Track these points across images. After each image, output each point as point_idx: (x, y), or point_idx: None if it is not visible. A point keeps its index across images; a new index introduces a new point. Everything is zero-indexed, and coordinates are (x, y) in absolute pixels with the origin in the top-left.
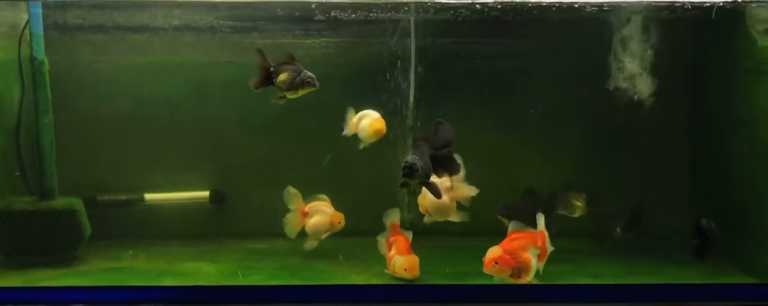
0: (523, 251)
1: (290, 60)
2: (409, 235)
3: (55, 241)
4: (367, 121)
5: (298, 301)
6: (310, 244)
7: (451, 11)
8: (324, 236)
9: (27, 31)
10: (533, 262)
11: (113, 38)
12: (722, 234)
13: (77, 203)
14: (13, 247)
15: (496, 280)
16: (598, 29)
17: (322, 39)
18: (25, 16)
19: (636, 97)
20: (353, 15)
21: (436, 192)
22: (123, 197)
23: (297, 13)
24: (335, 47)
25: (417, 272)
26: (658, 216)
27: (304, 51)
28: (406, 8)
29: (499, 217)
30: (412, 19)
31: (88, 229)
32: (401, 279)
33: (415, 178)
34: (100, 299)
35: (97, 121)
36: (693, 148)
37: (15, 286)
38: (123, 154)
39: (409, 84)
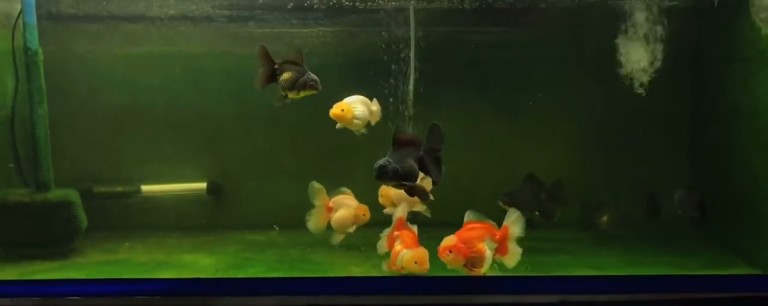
0: (478, 241)
1: (297, 59)
2: (414, 228)
3: (52, 233)
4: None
5: (299, 293)
6: (336, 238)
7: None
8: (350, 230)
9: (20, 21)
10: (488, 254)
11: (108, 28)
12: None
13: (73, 195)
14: (9, 240)
15: (456, 270)
16: (599, 17)
17: (320, 28)
18: (19, 6)
19: (637, 86)
20: (351, 3)
21: (421, 194)
22: (119, 189)
23: (294, 2)
24: (333, 36)
25: (427, 265)
26: (658, 206)
27: (302, 40)
28: None
29: (501, 204)
30: (411, 8)
31: (84, 221)
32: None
33: (388, 180)
34: (98, 292)
35: (93, 111)
36: (694, 138)
37: (12, 279)
38: (119, 146)
39: (408, 73)
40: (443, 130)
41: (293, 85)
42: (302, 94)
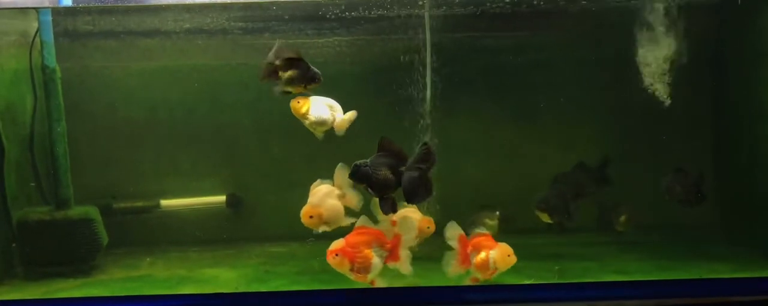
0: (365, 247)
1: (296, 55)
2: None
3: (73, 250)
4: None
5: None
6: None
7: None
8: (415, 243)
9: (37, 39)
10: (375, 260)
11: (124, 43)
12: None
13: (93, 212)
14: (31, 258)
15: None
16: (617, 18)
17: (336, 38)
18: (36, 24)
19: (658, 87)
20: (366, 12)
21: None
22: (139, 204)
23: (309, 13)
24: (349, 46)
25: (515, 258)
26: (682, 209)
27: (318, 50)
28: (421, 2)
29: (538, 212)
30: (426, 15)
31: (105, 237)
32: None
33: (357, 181)
34: None
35: (111, 127)
36: (718, 138)
37: (35, 297)
38: (137, 161)
39: (424, 81)
40: (435, 150)
41: (295, 80)
42: (310, 86)
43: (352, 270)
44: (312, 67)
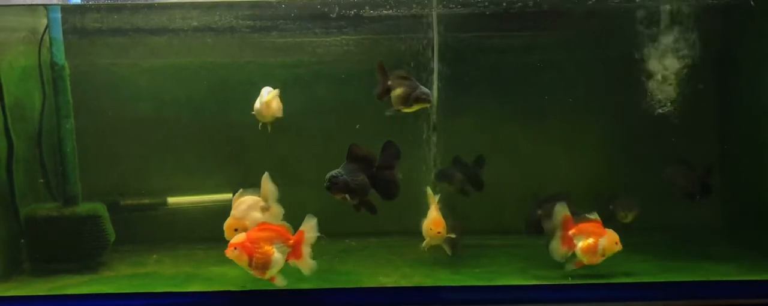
0: (266, 243)
1: (406, 75)
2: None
3: (80, 247)
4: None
5: (327, 305)
6: (425, 244)
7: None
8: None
9: (46, 36)
10: (276, 256)
11: (133, 41)
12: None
13: (101, 209)
14: (39, 255)
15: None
16: (624, 20)
17: (343, 37)
18: (45, 21)
19: (663, 90)
20: (374, 12)
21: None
22: (146, 201)
23: (317, 11)
24: (356, 44)
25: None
26: (688, 210)
27: (325, 49)
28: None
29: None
30: (434, 14)
31: (112, 234)
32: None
33: (338, 191)
34: None
35: (119, 125)
36: (724, 141)
37: (42, 294)
38: (145, 158)
39: (431, 80)
40: (398, 147)
41: (406, 100)
42: (415, 107)
43: (250, 265)
44: (421, 86)
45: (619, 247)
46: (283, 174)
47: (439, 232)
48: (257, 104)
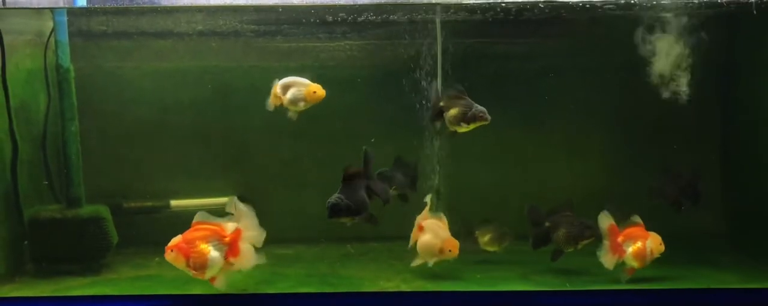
0: (202, 242)
1: (461, 94)
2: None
3: (83, 249)
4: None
5: None
6: (416, 263)
7: (477, 12)
8: (432, 261)
9: (52, 39)
10: (213, 255)
11: (137, 44)
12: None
13: (104, 211)
14: (42, 256)
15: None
16: (629, 27)
17: (347, 41)
18: (51, 24)
19: (667, 96)
20: (378, 17)
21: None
22: (149, 204)
23: (320, 16)
24: (360, 49)
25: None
26: (689, 216)
27: (329, 54)
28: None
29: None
30: (438, 20)
31: (115, 236)
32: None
33: (343, 216)
34: None
35: (123, 127)
36: (727, 148)
37: (45, 295)
38: (149, 161)
39: (435, 86)
40: (374, 154)
41: (463, 119)
42: (472, 126)
43: (188, 266)
44: (476, 105)
45: (662, 247)
46: (286, 177)
47: (450, 251)
48: (295, 91)
